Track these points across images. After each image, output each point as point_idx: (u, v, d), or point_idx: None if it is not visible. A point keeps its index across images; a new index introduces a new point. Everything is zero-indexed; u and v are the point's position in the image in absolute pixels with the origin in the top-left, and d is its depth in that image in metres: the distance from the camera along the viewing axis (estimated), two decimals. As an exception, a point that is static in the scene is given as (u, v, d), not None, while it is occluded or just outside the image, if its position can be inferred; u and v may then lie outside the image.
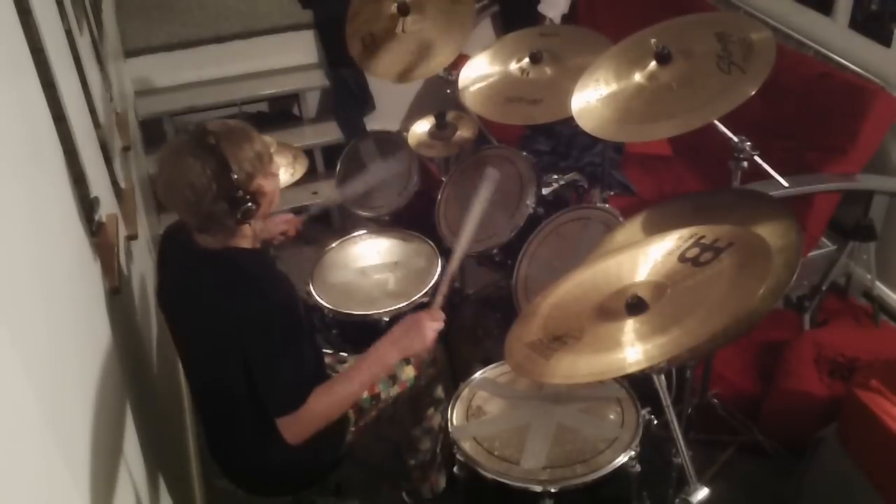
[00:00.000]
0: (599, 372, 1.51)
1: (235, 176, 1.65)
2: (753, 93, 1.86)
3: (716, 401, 2.61)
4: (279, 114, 4.26)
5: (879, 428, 1.99)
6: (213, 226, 1.71)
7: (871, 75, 2.83)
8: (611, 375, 1.59)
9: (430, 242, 2.62)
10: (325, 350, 2.16)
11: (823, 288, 2.86)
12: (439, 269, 2.50)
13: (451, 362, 2.61)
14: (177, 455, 2.45)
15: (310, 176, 3.10)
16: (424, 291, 2.42)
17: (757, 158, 2.02)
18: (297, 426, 1.73)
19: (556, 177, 2.55)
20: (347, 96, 4.11)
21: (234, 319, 1.70)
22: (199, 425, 2.56)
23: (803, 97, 2.92)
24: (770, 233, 1.87)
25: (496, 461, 1.83)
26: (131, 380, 1.91)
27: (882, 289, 2.99)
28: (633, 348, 1.49)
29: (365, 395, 2.05)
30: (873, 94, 2.73)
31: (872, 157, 2.78)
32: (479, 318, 2.87)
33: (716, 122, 1.94)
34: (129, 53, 3.82)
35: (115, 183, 2.32)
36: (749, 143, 2.03)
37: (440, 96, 2.86)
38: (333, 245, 2.68)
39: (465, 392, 2.03)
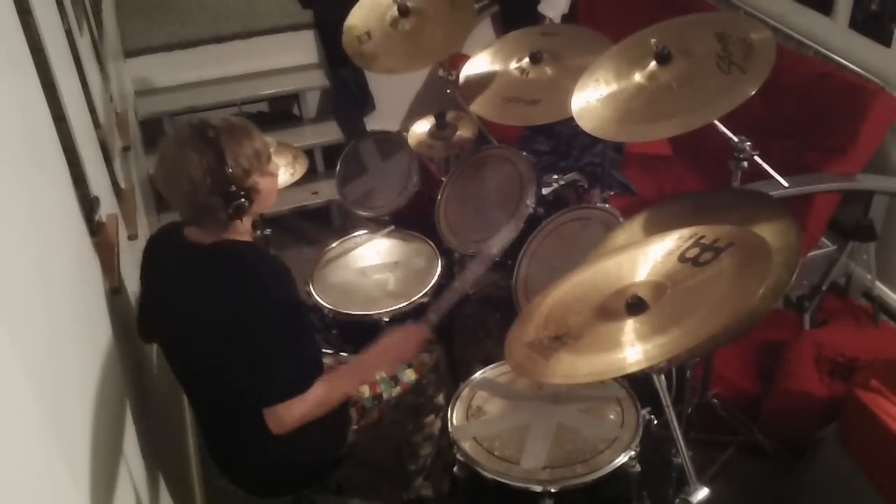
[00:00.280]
0: (599, 372, 1.51)
1: (231, 171, 1.67)
2: (753, 93, 1.86)
3: (716, 401, 2.61)
4: (279, 114, 4.26)
5: (879, 428, 1.99)
6: (207, 219, 1.73)
7: (871, 75, 2.83)
8: (611, 375, 1.59)
9: (430, 242, 2.62)
10: (325, 350, 2.15)
11: (823, 288, 2.86)
12: (439, 269, 2.50)
13: (451, 362, 2.61)
14: (177, 455, 2.45)
15: (310, 176, 3.10)
16: (424, 291, 2.43)
17: (757, 158, 2.02)
18: (290, 415, 1.71)
19: (556, 177, 2.55)
20: (347, 96, 4.10)
21: (236, 309, 1.70)
22: (199, 425, 2.56)
23: (803, 97, 2.92)
24: (770, 233, 1.87)
25: (496, 461, 1.83)
26: (132, 379, 1.91)
27: (882, 289, 2.99)
28: (633, 348, 1.49)
29: (367, 394, 2.05)
30: (873, 94, 2.73)
31: (872, 157, 2.78)
32: (479, 318, 2.87)
33: (716, 122, 1.94)
34: (129, 53, 3.82)
35: (115, 183, 2.32)
36: (749, 143, 2.03)
37: (440, 96, 2.87)
38: (333, 245, 2.68)
39: (465, 392, 2.03)
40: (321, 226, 3.86)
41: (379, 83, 4.16)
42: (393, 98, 4.31)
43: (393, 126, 4.24)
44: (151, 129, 3.82)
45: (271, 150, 1.83)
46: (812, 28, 3.09)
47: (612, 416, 1.91)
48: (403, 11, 2.59)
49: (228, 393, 1.83)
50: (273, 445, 1.82)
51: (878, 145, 2.78)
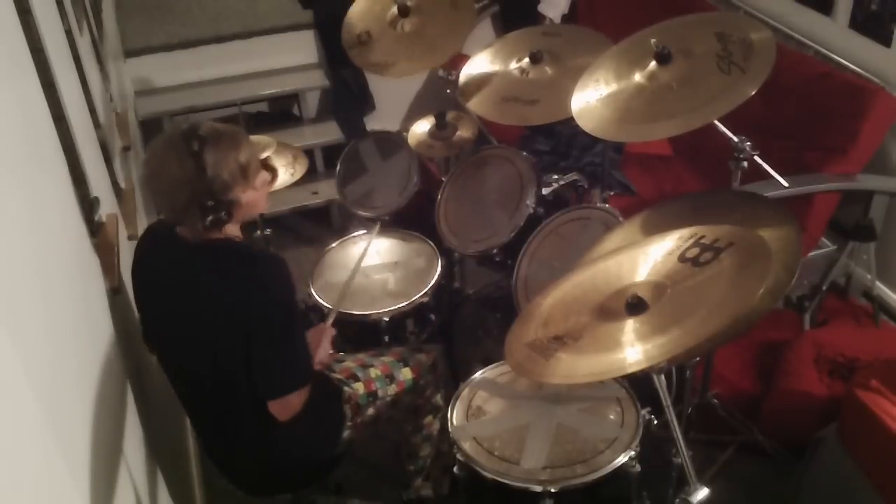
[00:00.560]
0: (599, 372, 1.51)
1: (210, 185, 1.65)
2: (753, 93, 1.86)
3: (716, 401, 2.61)
4: (279, 114, 4.26)
5: (879, 428, 1.99)
6: (188, 223, 1.72)
7: (871, 75, 2.83)
8: (611, 375, 1.59)
9: (430, 242, 2.62)
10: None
11: (823, 288, 2.86)
12: (439, 269, 2.50)
13: (451, 362, 2.61)
14: (177, 455, 2.45)
15: (310, 176, 3.11)
16: (424, 291, 2.43)
17: (757, 158, 2.02)
18: (299, 399, 1.79)
19: (556, 177, 2.55)
20: (347, 96, 4.10)
21: (237, 304, 1.71)
22: (195, 428, 2.56)
23: (803, 97, 2.92)
24: (770, 233, 1.87)
25: (496, 461, 1.83)
26: (132, 380, 1.91)
27: (882, 289, 2.99)
28: (633, 348, 1.49)
29: (361, 391, 2.05)
30: (873, 94, 2.73)
31: (872, 157, 2.78)
32: (479, 318, 2.87)
33: (716, 122, 1.94)
34: (129, 53, 3.82)
35: (115, 183, 2.33)
36: (749, 143, 2.03)
37: (440, 96, 2.86)
38: (333, 245, 2.68)
39: (465, 392, 2.03)
40: (321, 226, 3.86)
41: (379, 83, 4.16)
42: (393, 98, 4.31)
43: (393, 126, 4.24)
44: (151, 129, 3.82)
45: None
46: (812, 28, 3.09)
47: (612, 416, 1.91)
48: (403, 11, 2.59)
49: (226, 391, 1.83)
50: (271, 442, 1.83)
51: (878, 145, 2.78)
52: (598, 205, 2.44)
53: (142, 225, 2.67)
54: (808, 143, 2.88)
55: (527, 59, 2.50)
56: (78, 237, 1.69)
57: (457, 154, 2.84)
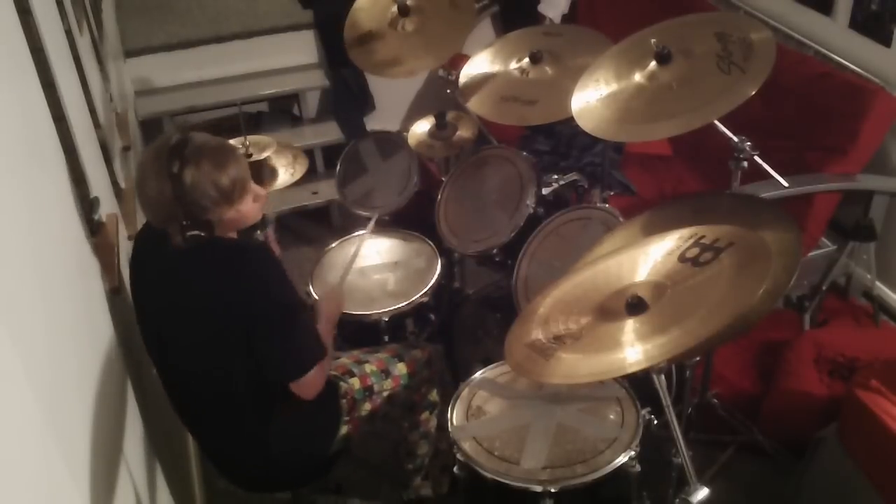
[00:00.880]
0: (599, 372, 1.51)
1: (187, 208, 1.66)
2: (753, 93, 1.86)
3: (716, 401, 2.61)
4: (279, 114, 4.26)
5: (879, 428, 1.99)
6: (170, 233, 1.72)
7: (871, 75, 2.83)
8: (611, 375, 1.59)
9: (430, 242, 2.62)
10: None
11: (823, 288, 2.86)
12: (439, 269, 2.50)
13: (451, 362, 2.61)
14: (177, 455, 2.44)
15: (310, 176, 3.10)
16: (424, 291, 2.43)
17: (757, 158, 2.02)
18: (321, 374, 1.83)
19: (556, 177, 2.55)
20: (347, 96, 4.10)
21: (233, 301, 1.71)
22: (191, 430, 2.56)
23: (803, 97, 2.92)
24: (770, 233, 1.87)
25: (496, 461, 1.83)
26: (132, 380, 1.91)
27: (882, 289, 2.99)
28: (633, 348, 1.49)
29: (357, 386, 2.05)
30: (873, 94, 2.73)
31: (872, 157, 2.78)
32: (479, 318, 2.87)
33: (716, 122, 1.94)
34: (129, 53, 3.82)
35: (115, 183, 2.32)
36: (749, 143, 2.03)
37: (440, 96, 2.86)
38: (333, 245, 2.68)
39: (465, 392, 2.03)
40: (321, 226, 3.86)
41: (379, 83, 4.16)
42: (393, 98, 4.31)
43: (393, 126, 4.24)
44: (151, 129, 3.82)
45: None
46: (812, 28, 3.09)
47: (612, 416, 1.91)
48: (403, 11, 2.59)
49: (223, 388, 1.82)
50: (269, 437, 1.83)
51: (878, 145, 2.78)
52: (598, 205, 2.44)
53: (141, 225, 2.67)
54: (808, 143, 2.88)
55: (527, 59, 2.50)
56: (78, 237, 1.69)
57: (457, 154, 2.84)
